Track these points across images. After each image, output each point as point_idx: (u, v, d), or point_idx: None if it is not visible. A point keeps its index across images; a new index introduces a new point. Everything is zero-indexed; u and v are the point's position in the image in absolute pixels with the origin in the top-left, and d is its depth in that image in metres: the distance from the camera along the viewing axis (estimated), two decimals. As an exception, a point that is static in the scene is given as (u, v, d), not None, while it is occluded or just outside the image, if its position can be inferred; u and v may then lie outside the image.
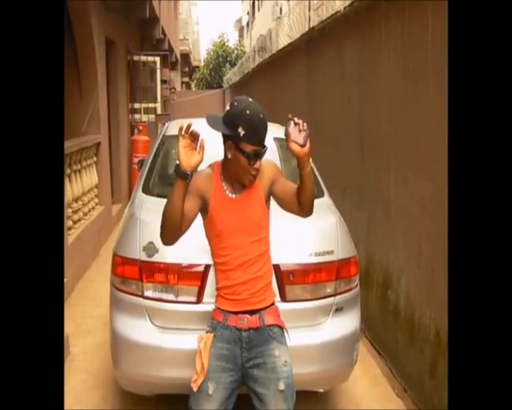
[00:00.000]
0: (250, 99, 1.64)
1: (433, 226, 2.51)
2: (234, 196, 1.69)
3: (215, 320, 1.73)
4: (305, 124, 1.62)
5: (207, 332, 1.73)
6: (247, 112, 1.58)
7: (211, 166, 1.75)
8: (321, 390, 2.41)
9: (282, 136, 3.18)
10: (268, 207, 1.76)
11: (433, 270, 2.51)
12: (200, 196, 1.66)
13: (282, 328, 1.74)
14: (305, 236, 2.26)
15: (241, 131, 1.57)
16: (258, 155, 1.62)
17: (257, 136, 1.60)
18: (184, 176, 1.50)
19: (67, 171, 4.25)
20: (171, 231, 1.60)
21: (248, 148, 1.58)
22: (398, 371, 2.92)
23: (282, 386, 1.66)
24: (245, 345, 1.68)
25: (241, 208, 1.69)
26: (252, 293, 1.70)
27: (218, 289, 1.76)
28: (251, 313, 1.70)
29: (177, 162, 1.50)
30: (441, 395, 2.33)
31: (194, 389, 1.66)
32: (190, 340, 2.04)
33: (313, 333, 2.21)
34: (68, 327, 3.24)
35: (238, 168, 1.63)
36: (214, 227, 1.69)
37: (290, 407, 1.68)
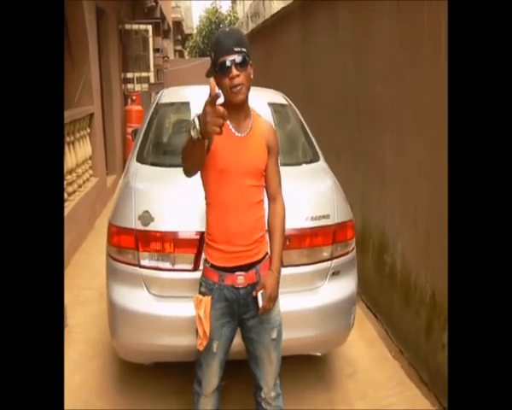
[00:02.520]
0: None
1: (429, 190, 2.50)
2: (239, 134, 1.66)
3: (210, 281, 1.71)
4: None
5: (203, 294, 1.71)
6: (215, 35, 1.63)
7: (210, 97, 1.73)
8: (318, 354, 2.43)
9: (276, 101, 2.92)
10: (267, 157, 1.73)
11: (429, 233, 2.51)
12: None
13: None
14: (301, 200, 2.24)
15: (212, 54, 1.59)
16: (229, 64, 1.54)
17: (220, 46, 1.57)
18: (201, 140, 1.42)
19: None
20: (194, 168, 1.62)
21: (218, 62, 1.56)
22: (394, 334, 2.96)
23: (274, 335, 1.76)
24: (242, 301, 1.70)
25: (245, 148, 1.66)
26: (247, 244, 1.67)
27: (210, 236, 1.70)
28: (247, 268, 1.69)
29: (197, 124, 1.38)
30: (436, 356, 2.37)
31: (201, 348, 1.71)
32: (188, 308, 2.03)
33: (310, 297, 2.22)
34: (66, 299, 3.21)
35: (223, 91, 1.58)
36: (215, 164, 1.63)
37: (279, 352, 1.81)
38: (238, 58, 1.55)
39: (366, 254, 3.43)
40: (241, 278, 1.69)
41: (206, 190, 1.70)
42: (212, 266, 1.70)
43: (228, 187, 1.64)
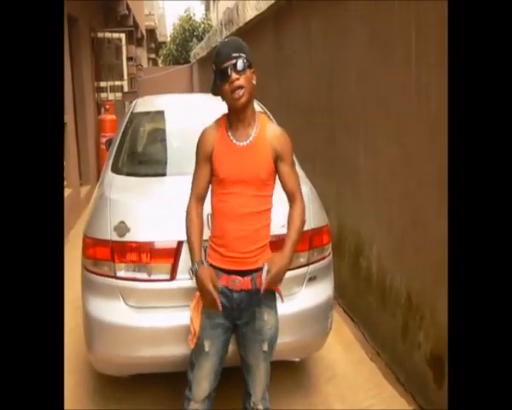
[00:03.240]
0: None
1: (402, 191, 2.57)
2: (239, 143, 1.67)
3: None
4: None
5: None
6: (216, 48, 1.69)
7: (219, 118, 1.76)
8: (296, 359, 2.45)
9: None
10: (275, 169, 1.72)
11: (403, 235, 2.58)
12: (208, 153, 1.70)
13: (273, 291, 1.77)
14: (277, 207, 2.26)
15: (213, 66, 1.64)
16: (227, 68, 1.60)
17: (219, 55, 1.62)
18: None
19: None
20: None
21: (218, 70, 1.62)
22: (371, 336, 3.02)
23: (265, 347, 1.79)
24: (235, 306, 1.72)
25: (246, 158, 1.67)
26: (244, 252, 1.68)
27: (211, 237, 1.75)
28: (243, 274, 1.70)
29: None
30: (412, 355, 2.43)
31: (191, 345, 1.75)
32: (165, 318, 2.06)
33: (287, 303, 2.19)
34: None
35: (226, 97, 1.63)
36: (216, 174, 1.69)
37: (268, 365, 1.84)
38: (237, 62, 1.59)
39: (342, 258, 3.49)
40: (235, 282, 1.70)
41: (211, 192, 1.75)
42: (210, 265, 1.73)
43: (228, 196, 1.67)
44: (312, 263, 2.26)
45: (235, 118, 1.67)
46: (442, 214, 1.90)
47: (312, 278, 2.28)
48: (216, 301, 1.63)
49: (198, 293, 1.73)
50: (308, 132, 4.20)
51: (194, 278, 1.70)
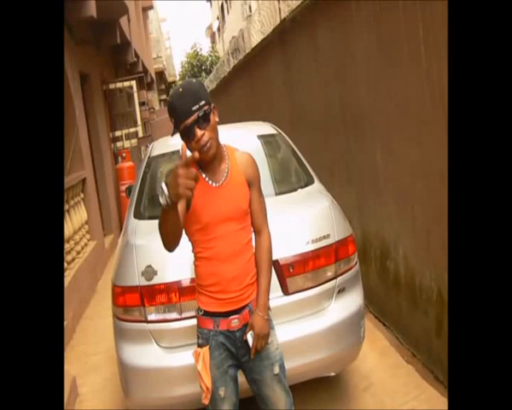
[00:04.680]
0: (181, 83, 1.67)
1: (424, 189, 2.65)
2: (217, 184, 1.69)
3: (205, 330, 1.76)
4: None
5: (200, 346, 1.77)
6: (169, 99, 1.60)
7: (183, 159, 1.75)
8: (332, 374, 2.48)
9: (265, 132, 3.10)
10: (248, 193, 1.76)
11: (429, 231, 2.65)
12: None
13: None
14: (300, 225, 2.36)
15: (172, 120, 1.59)
16: (190, 126, 1.54)
17: (176, 111, 1.55)
18: (173, 205, 1.42)
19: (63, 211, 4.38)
20: (174, 241, 1.60)
21: (180, 129, 1.56)
22: (404, 339, 3.07)
23: (276, 370, 1.80)
24: (240, 344, 1.76)
25: (225, 196, 1.69)
26: (241, 289, 1.73)
27: (202, 286, 1.76)
28: (240, 310, 1.75)
29: (165, 190, 1.38)
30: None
31: (206, 403, 1.76)
32: None
33: (318, 319, 2.30)
34: (74, 368, 3.37)
35: (192, 151, 1.53)
36: (198, 220, 1.67)
37: (285, 385, 1.84)
38: (199, 117, 1.54)
39: (369, 264, 3.58)
40: (235, 322, 1.74)
41: (192, 243, 1.75)
42: (205, 314, 1.76)
43: (215, 238, 1.69)
44: (340, 275, 2.34)
45: (207, 162, 1.67)
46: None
47: (341, 290, 2.35)
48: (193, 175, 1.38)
49: (198, 349, 1.76)
50: (324, 145, 4.39)
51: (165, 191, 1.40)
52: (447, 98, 1.25)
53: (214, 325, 1.75)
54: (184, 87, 1.61)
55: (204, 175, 1.69)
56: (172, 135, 1.63)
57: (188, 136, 1.57)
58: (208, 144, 1.59)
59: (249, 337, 1.74)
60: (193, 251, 1.78)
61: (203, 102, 1.56)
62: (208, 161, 1.66)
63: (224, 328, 1.75)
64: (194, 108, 1.54)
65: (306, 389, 2.13)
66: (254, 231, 1.82)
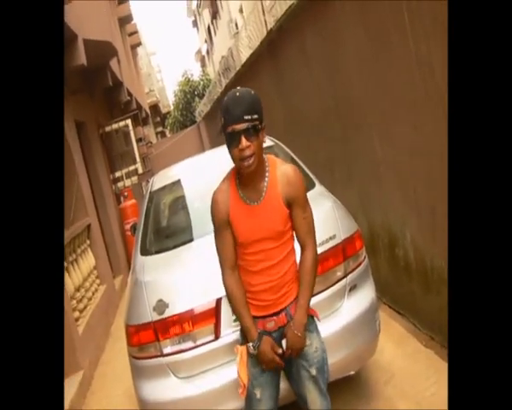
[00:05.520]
0: (239, 88, 1.70)
1: (424, 170, 2.73)
2: (252, 203, 1.74)
3: None
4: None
5: (241, 344, 1.90)
6: (225, 99, 1.64)
7: (227, 175, 1.82)
8: (352, 373, 2.52)
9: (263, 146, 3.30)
10: (289, 213, 1.79)
11: (434, 210, 2.72)
12: (226, 219, 1.77)
13: (310, 314, 1.88)
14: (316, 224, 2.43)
15: (221, 119, 1.63)
16: (238, 133, 1.58)
17: (229, 113, 1.59)
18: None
19: (64, 264, 4.48)
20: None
21: (227, 131, 1.60)
22: (421, 323, 3.12)
23: (313, 372, 1.88)
24: (277, 343, 1.85)
25: (261, 217, 1.73)
26: (276, 298, 1.81)
27: (244, 287, 1.86)
28: (277, 313, 1.83)
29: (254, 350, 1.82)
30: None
31: (242, 396, 1.89)
32: (215, 379, 2.24)
33: (333, 321, 2.35)
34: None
35: (233, 158, 1.65)
36: (236, 236, 1.78)
37: (322, 388, 1.91)
38: (248, 128, 1.57)
39: (378, 255, 3.65)
40: (271, 324, 1.84)
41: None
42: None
43: (249, 254, 1.78)
44: (350, 273, 2.40)
45: (246, 177, 1.71)
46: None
47: (353, 288, 2.41)
48: (280, 365, 1.83)
49: (239, 346, 1.89)
50: (321, 145, 4.52)
51: (255, 352, 1.81)
52: (447, 81, 1.26)
53: None
54: (242, 93, 1.64)
55: (241, 193, 1.74)
56: (221, 133, 1.69)
57: (233, 141, 1.60)
58: (251, 160, 1.62)
59: (283, 343, 1.84)
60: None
61: (256, 116, 1.60)
62: (246, 176, 1.70)
63: (260, 327, 1.84)
64: (246, 117, 1.58)
65: (328, 391, 2.12)
66: (300, 246, 1.85)
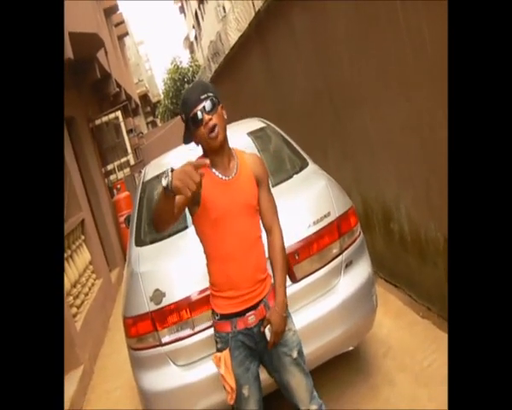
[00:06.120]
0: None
1: (417, 143, 2.78)
2: (226, 178, 1.81)
3: (223, 333, 1.88)
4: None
5: (219, 350, 1.90)
6: (181, 95, 1.80)
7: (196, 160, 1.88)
8: (350, 348, 2.55)
9: (254, 128, 3.18)
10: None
11: (428, 182, 2.77)
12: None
13: None
14: (300, 210, 2.45)
15: (182, 116, 1.77)
16: (198, 114, 1.70)
17: (186, 102, 1.74)
18: (170, 193, 1.49)
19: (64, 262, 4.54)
20: (163, 227, 1.68)
21: (189, 117, 1.73)
22: (418, 295, 3.20)
23: (295, 354, 1.93)
24: (258, 338, 1.89)
25: (236, 190, 1.81)
26: (252, 284, 1.84)
27: (216, 289, 1.87)
28: (255, 306, 1.86)
29: (170, 176, 1.45)
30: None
31: (232, 403, 1.88)
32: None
33: (330, 298, 2.38)
34: (97, 406, 3.55)
35: (201, 142, 1.76)
36: (209, 215, 1.77)
37: (304, 368, 1.96)
38: (206, 104, 1.71)
39: (373, 230, 3.72)
40: (252, 318, 1.86)
41: (203, 242, 1.87)
42: (222, 317, 1.88)
43: (225, 234, 1.79)
44: (345, 249, 2.44)
45: (216, 157, 1.79)
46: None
47: (349, 264, 2.45)
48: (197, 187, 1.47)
49: (218, 354, 1.89)
50: (314, 127, 4.57)
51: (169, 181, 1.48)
52: (438, 54, 1.36)
53: (232, 327, 1.87)
54: (195, 83, 1.84)
55: (214, 170, 1.81)
56: (185, 140, 1.80)
57: (196, 122, 1.73)
58: (216, 129, 1.73)
59: (267, 332, 1.85)
60: (204, 252, 1.89)
61: (211, 94, 1.75)
62: (217, 151, 1.78)
63: (241, 327, 1.86)
64: (202, 97, 1.73)
65: (327, 368, 2.20)
66: (265, 231, 1.93)
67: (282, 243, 1.93)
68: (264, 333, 1.87)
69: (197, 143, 1.82)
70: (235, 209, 1.80)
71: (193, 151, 1.96)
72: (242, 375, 1.89)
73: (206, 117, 1.72)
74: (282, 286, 1.89)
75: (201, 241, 1.88)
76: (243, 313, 1.86)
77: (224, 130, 1.79)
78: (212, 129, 1.73)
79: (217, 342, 1.94)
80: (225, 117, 1.81)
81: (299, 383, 1.94)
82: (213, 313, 1.94)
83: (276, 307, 1.87)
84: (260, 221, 1.91)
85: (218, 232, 1.80)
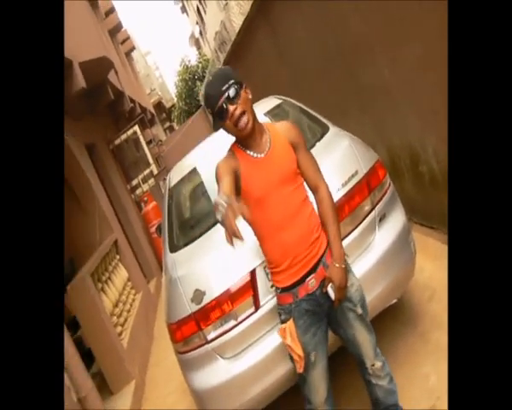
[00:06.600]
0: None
1: (433, 79, 2.77)
2: (261, 155, 1.83)
3: (286, 305, 1.91)
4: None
5: (283, 321, 1.93)
6: (202, 89, 1.98)
7: (229, 149, 1.90)
8: (394, 301, 2.56)
9: (270, 106, 3.18)
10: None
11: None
12: (234, 171, 1.77)
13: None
14: (327, 175, 2.36)
15: (208, 110, 1.78)
16: (223, 105, 1.71)
17: (209, 98, 1.75)
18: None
19: (99, 286, 4.70)
20: None
21: (215, 112, 1.74)
22: None
23: (359, 310, 1.95)
24: (322, 300, 1.90)
25: (272, 164, 1.82)
26: (308, 247, 1.84)
27: (273, 265, 1.89)
28: (315, 269, 1.87)
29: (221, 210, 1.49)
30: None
31: (301, 371, 1.91)
32: (261, 349, 2.33)
33: (368, 255, 2.39)
34: None
35: (231, 131, 1.77)
36: (251, 196, 1.79)
37: (368, 324, 2.00)
38: (230, 92, 1.71)
39: (402, 178, 3.73)
40: (312, 282, 1.87)
41: (252, 223, 1.85)
42: (283, 290, 1.90)
43: (270, 208, 1.81)
44: (377, 204, 2.44)
45: (248, 141, 1.81)
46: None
47: (382, 217, 2.46)
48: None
49: (282, 325, 1.92)
50: (329, 88, 4.63)
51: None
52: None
53: (294, 297, 1.89)
54: (213, 74, 1.83)
55: (248, 151, 1.83)
56: (214, 128, 1.82)
57: (223, 115, 1.73)
58: (244, 118, 1.73)
59: (330, 290, 1.86)
60: (255, 233, 1.90)
61: (232, 81, 1.73)
62: (248, 136, 1.79)
63: (302, 295, 1.88)
64: (223, 88, 1.72)
65: (376, 324, 2.18)
66: (311, 190, 1.94)
67: (330, 197, 1.92)
68: (327, 293, 1.88)
69: (227, 132, 1.83)
70: (274, 183, 1.81)
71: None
72: (309, 342, 1.92)
73: (231, 108, 1.72)
74: (337, 239, 1.88)
75: (250, 223, 1.86)
76: (303, 280, 1.87)
77: (251, 113, 1.78)
78: (239, 119, 1.73)
79: (280, 315, 1.98)
80: (250, 97, 1.80)
81: (364, 339, 1.97)
82: (274, 287, 1.97)
83: (333, 262, 1.87)
84: (303, 184, 1.93)
85: (262, 209, 1.82)
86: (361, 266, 2.35)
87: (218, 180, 1.77)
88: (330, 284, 1.86)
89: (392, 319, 2.85)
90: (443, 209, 3.34)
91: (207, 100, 1.77)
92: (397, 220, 2.53)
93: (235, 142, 1.90)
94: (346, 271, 1.90)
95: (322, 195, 1.91)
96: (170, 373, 4.12)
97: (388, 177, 2.60)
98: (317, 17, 4.31)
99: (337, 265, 1.86)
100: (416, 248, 2.61)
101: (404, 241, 2.52)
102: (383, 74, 3.52)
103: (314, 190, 1.94)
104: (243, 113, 1.74)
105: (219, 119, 1.75)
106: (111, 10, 14.60)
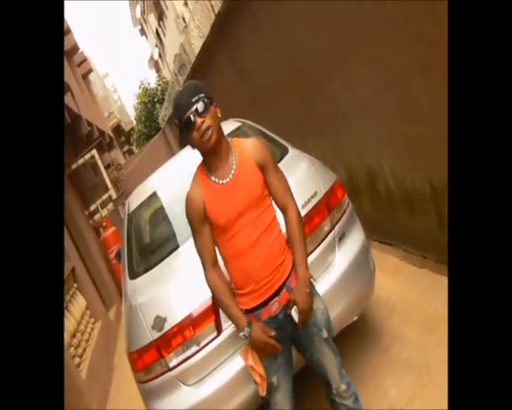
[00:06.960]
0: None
1: (390, 99, 2.89)
2: (224, 181, 1.81)
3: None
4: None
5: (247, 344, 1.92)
6: (172, 100, 1.88)
7: (195, 174, 1.90)
8: (355, 318, 2.60)
9: (230, 129, 3.21)
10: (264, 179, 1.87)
11: (406, 136, 2.88)
12: (202, 213, 1.81)
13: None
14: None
15: (176, 121, 1.78)
16: (190, 117, 1.70)
17: (179, 107, 1.74)
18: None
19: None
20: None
21: (182, 123, 1.74)
22: (413, 247, 3.30)
23: (325, 334, 1.97)
24: (284, 324, 1.91)
25: (237, 190, 1.80)
26: (271, 272, 1.84)
27: (237, 287, 1.90)
28: (278, 292, 1.87)
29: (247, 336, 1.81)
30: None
31: (264, 393, 1.92)
32: (224, 374, 2.32)
33: (328, 275, 2.44)
34: None
35: (197, 144, 1.76)
36: (217, 223, 1.81)
37: (334, 346, 2.02)
38: (198, 106, 1.71)
39: (360, 196, 3.84)
40: (275, 306, 1.87)
41: (217, 246, 1.88)
42: (246, 312, 1.89)
43: (235, 234, 1.81)
44: (336, 223, 2.50)
45: (213, 158, 1.79)
46: (435, 101, 2.23)
47: (342, 237, 2.52)
48: (276, 348, 1.83)
49: (244, 347, 1.92)
50: (287, 109, 4.73)
51: (247, 340, 1.83)
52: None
53: (256, 319, 1.88)
54: (185, 85, 1.83)
55: (213, 178, 1.82)
56: (180, 142, 1.80)
57: (189, 126, 1.72)
58: (210, 131, 1.73)
59: (293, 313, 1.86)
60: (220, 254, 1.92)
61: (202, 95, 1.74)
62: (213, 151, 1.78)
63: (265, 317, 1.89)
64: (193, 100, 1.72)
65: (338, 341, 2.21)
66: (280, 210, 1.93)
67: (299, 219, 1.92)
68: (291, 316, 1.88)
69: (193, 147, 1.82)
70: (239, 210, 1.81)
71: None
72: (271, 364, 1.93)
73: (199, 120, 1.72)
74: (303, 262, 1.88)
75: (216, 245, 1.90)
76: (266, 303, 1.88)
77: (218, 130, 1.78)
78: (205, 132, 1.73)
79: (245, 336, 1.93)
80: (219, 115, 1.81)
81: (329, 362, 2.00)
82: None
83: (298, 285, 1.87)
84: (271, 204, 1.92)
85: (227, 235, 1.82)
86: (322, 286, 2.40)
87: (190, 221, 1.85)
88: (294, 308, 1.87)
89: (355, 335, 2.93)
90: (400, 225, 3.47)
91: (176, 109, 1.77)
92: (356, 239, 2.60)
93: (201, 164, 1.90)
94: (312, 294, 1.91)
95: (291, 215, 1.91)
96: (131, 404, 4.00)
97: (347, 197, 2.68)
98: (275, 40, 4.45)
99: (301, 288, 1.87)
100: (375, 265, 2.70)
101: (364, 259, 2.59)
102: (339, 96, 3.65)
103: (283, 211, 1.94)
104: (209, 127, 1.74)
105: (186, 130, 1.75)
106: (67, 31, 14.40)
